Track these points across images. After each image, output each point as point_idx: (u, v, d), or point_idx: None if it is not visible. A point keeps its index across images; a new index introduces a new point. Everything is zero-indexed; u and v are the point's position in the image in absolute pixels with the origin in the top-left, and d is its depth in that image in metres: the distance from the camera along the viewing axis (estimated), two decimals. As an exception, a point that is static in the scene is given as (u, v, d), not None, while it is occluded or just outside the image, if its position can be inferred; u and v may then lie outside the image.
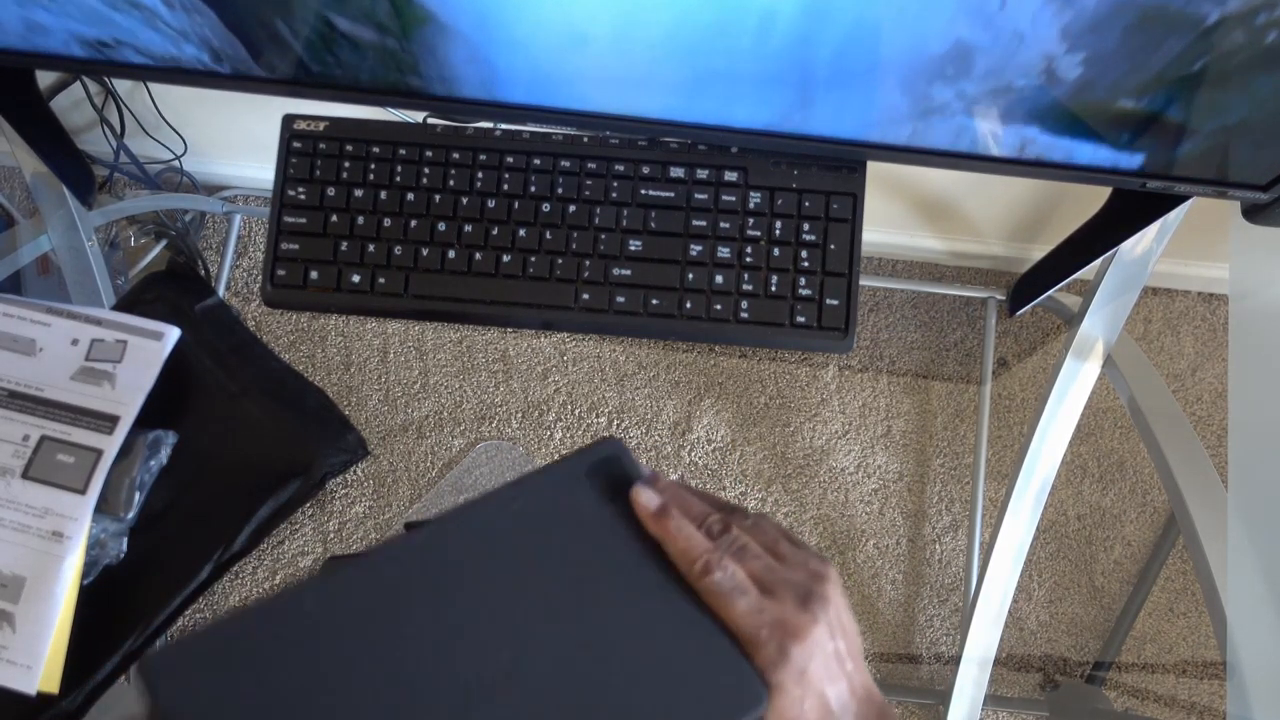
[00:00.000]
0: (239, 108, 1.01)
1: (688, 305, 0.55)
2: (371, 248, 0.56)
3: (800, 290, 0.55)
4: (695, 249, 0.55)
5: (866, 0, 0.40)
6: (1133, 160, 0.48)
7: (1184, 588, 1.13)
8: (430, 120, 0.63)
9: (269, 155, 0.57)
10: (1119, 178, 0.49)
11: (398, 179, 0.56)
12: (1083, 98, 0.44)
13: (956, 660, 0.78)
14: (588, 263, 0.56)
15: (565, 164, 0.56)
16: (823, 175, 0.56)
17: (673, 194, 0.56)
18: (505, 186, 0.56)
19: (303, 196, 0.56)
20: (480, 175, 0.56)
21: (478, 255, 0.56)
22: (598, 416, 1.16)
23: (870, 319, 1.18)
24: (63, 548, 0.57)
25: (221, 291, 1.18)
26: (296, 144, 0.57)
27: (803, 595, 0.34)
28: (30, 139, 0.63)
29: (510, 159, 0.56)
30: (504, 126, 0.57)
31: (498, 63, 0.47)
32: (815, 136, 0.51)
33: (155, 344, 0.63)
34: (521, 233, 0.56)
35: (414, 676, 0.31)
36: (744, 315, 0.55)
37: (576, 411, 1.16)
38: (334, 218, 0.56)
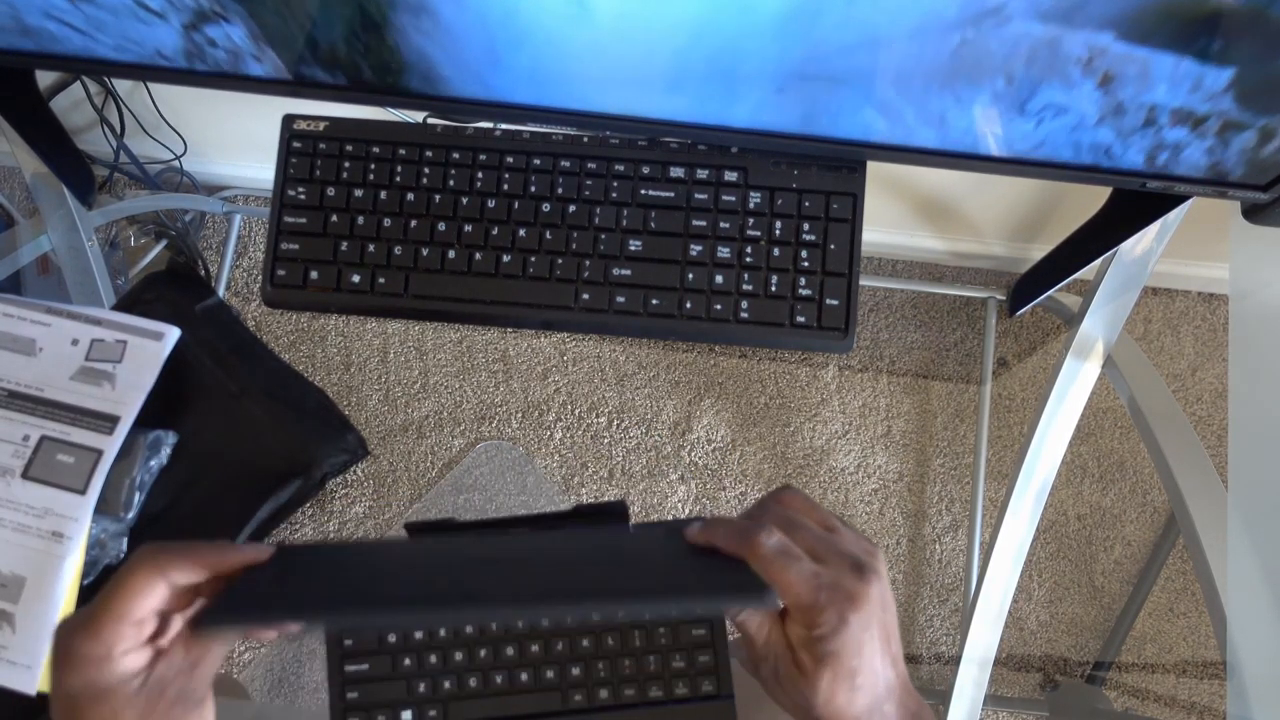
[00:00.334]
0: (239, 108, 1.01)
1: (688, 305, 0.55)
2: (371, 248, 0.56)
3: (800, 290, 0.55)
4: (695, 249, 0.55)
5: (867, 1, 0.40)
6: (1133, 160, 0.48)
7: (1184, 588, 1.13)
8: (430, 120, 0.63)
9: (269, 155, 0.57)
10: (1119, 178, 0.49)
11: (398, 179, 0.56)
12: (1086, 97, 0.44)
13: (956, 660, 0.78)
14: (588, 263, 0.56)
15: (565, 164, 0.56)
16: (823, 175, 0.55)
17: (673, 194, 0.56)
18: (505, 186, 0.56)
19: (303, 196, 0.56)
20: (480, 175, 0.56)
21: (478, 255, 0.56)
22: (598, 416, 1.16)
23: (870, 319, 1.18)
24: (63, 548, 0.57)
25: (221, 291, 1.18)
26: (296, 144, 0.57)
27: (856, 565, 0.34)
28: (30, 139, 0.63)
29: (510, 159, 0.56)
30: (504, 126, 0.57)
31: (497, 62, 0.47)
32: (815, 136, 0.51)
33: (155, 344, 0.63)
34: (521, 233, 0.56)
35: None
36: (744, 315, 0.55)
37: (576, 411, 1.16)
38: (334, 218, 0.56)
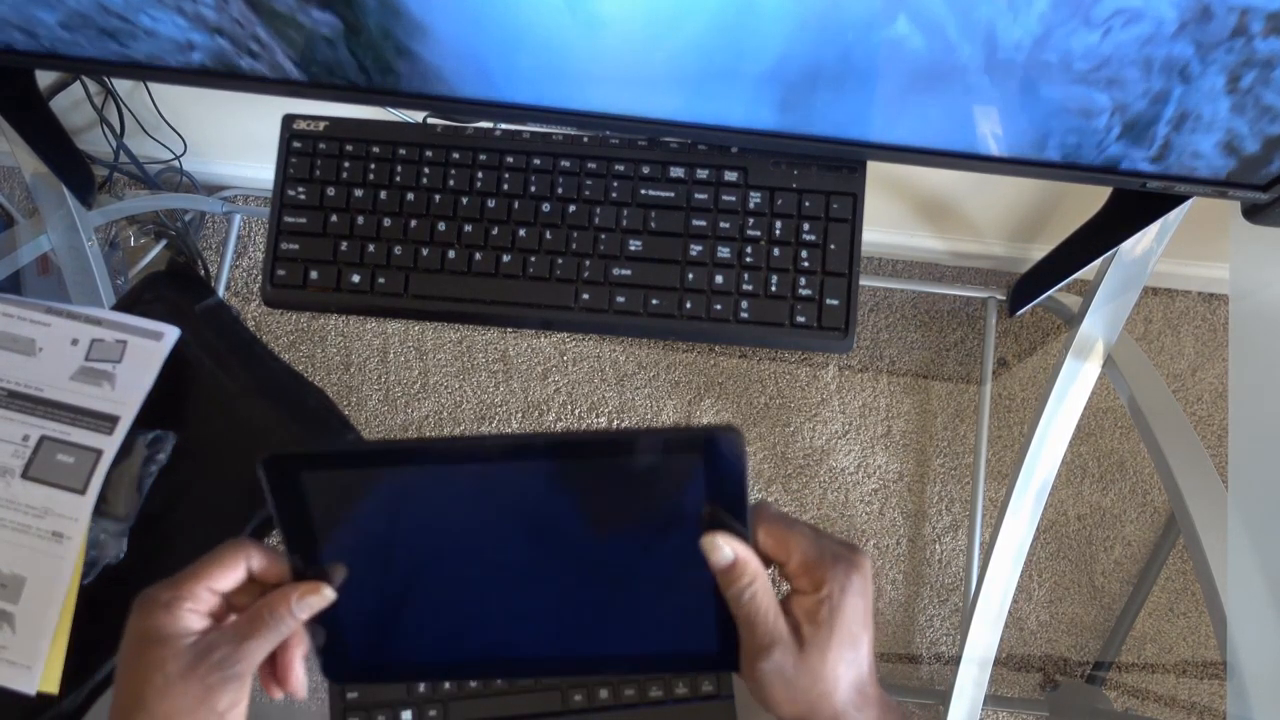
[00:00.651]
0: (239, 108, 1.01)
1: (688, 305, 0.55)
2: (371, 248, 0.56)
3: (800, 290, 0.55)
4: (695, 249, 0.55)
5: (868, 1, 0.40)
6: (1133, 160, 0.48)
7: (1184, 588, 1.13)
8: (430, 120, 0.63)
9: (269, 155, 0.57)
10: (1119, 178, 0.49)
11: (398, 179, 0.56)
12: (1086, 97, 0.44)
13: (956, 660, 0.77)
14: (588, 263, 0.56)
15: (565, 164, 0.56)
16: (823, 175, 0.56)
17: (673, 194, 0.56)
18: (505, 186, 0.56)
19: (303, 196, 0.56)
20: (480, 175, 0.56)
21: (478, 255, 0.56)
22: (598, 416, 1.16)
23: (870, 319, 1.18)
24: (63, 548, 0.57)
25: (221, 291, 1.18)
26: (296, 144, 0.57)
27: (845, 543, 0.37)
28: (30, 139, 0.63)
29: (510, 159, 0.56)
30: (504, 126, 0.57)
31: (497, 62, 0.47)
32: (815, 136, 0.51)
33: (155, 344, 0.63)
34: (521, 233, 0.56)
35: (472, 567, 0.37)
36: (744, 315, 0.55)
37: (576, 411, 1.16)
38: (334, 218, 0.56)
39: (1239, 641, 0.54)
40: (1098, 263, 0.68)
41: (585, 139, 0.57)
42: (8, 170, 1.25)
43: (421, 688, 0.53)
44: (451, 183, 0.56)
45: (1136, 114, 0.44)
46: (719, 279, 0.55)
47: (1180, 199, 0.53)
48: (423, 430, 1.16)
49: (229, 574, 0.36)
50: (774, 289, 0.55)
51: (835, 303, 0.55)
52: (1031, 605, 1.13)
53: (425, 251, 0.56)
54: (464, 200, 0.56)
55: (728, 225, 0.55)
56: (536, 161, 0.56)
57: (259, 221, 1.21)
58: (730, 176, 0.56)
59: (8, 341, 0.62)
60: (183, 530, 0.63)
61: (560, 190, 0.56)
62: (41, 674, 0.56)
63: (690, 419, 1.16)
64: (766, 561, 0.37)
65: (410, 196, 0.56)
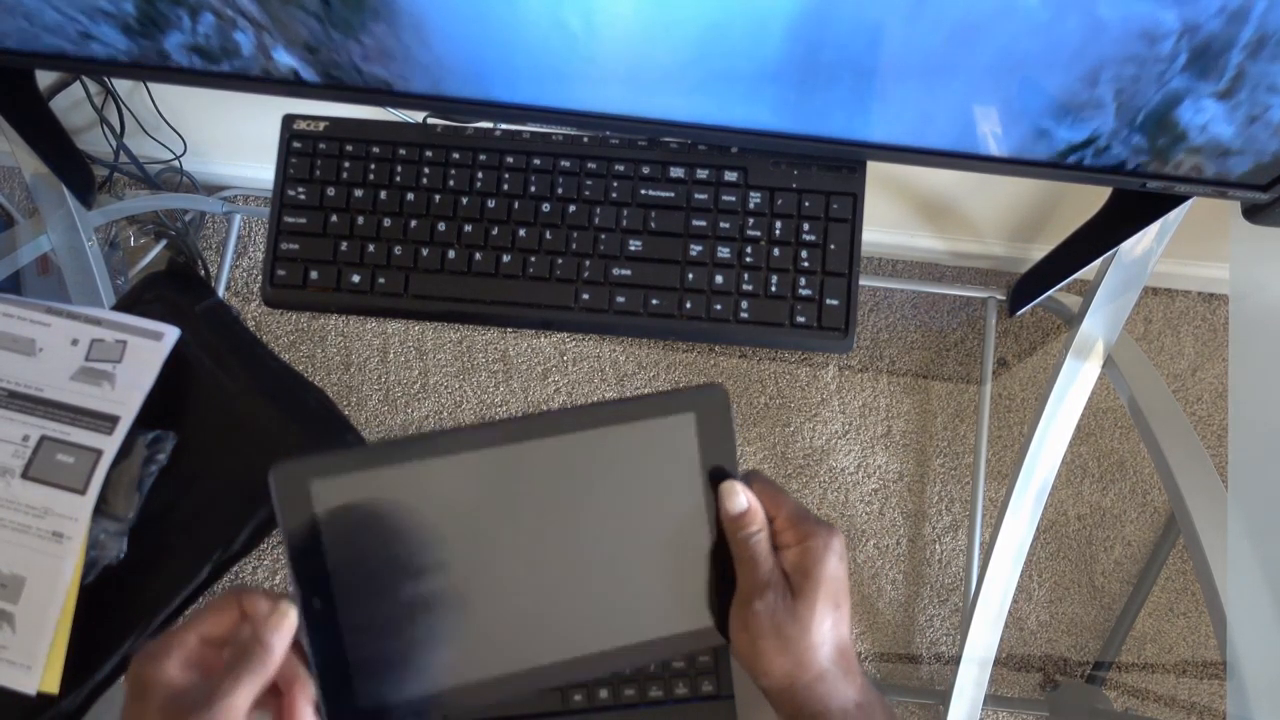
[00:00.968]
0: (239, 108, 1.01)
1: (688, 305, 0.55)
2: (371, 248, 0.56)
3: (800, 290, 0.55)
4: (695, 249, 0.55)
5: (868, 2, 0.40)
6: (1133, 159, 0.48)
7: (1184, 588, 1.13)
8: (430, 120, 0.63)
9: (269, 155, 0.57)
10: (1119, 178, 0.49)
11: (398, 179, 0.56)
12: (1082, 98, 0.44)
13: (956, 660, 0.78)
14: (588, 263, 0.56)
15: (565, 164, 0.56)
16: (823, 175, 0.55)
17: (673, 194, 0.56)
18: (505, 186, 0.56)
19: (303, 196, 0.56)
20: (480, 175, 0.56)
21: (478, 255, 0.56)
22: (598, 416, 1.16)
23: (870, 319, 1.18)
24: (63, 548, 0.57)
25: (221, 291, 1.18)
26: (296, 144, 0.57)
27: (826, 522, 0.40)
28: (30, 139, 0.63)
29: (510, 159, 0.56)
30: (504, 126, 0.57)
31: (497, 63, 0.47)
32: (815, 136, 0.51)
33: (155, 344, 0.63)
34: (521, 233, 0.56)
35: (487, 565, 0.37)
36: (744, 315, 0.55)
37: (576, 411, 1.16)
38: (334, 218, 0.56)
39: (1239, 641, 0.54)
40: (1098, 263, 0.68)
41: (585, 139, 0.57)
42: (8, 170, 1.25)
43: None
44: (451, 183, 0.56)
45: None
46: (719, 279, 0.55)
47: (1180, 199, 0.53)
48: (422, 429, 1.16)
49: (219, 618, 0.35)
50: (774, 289, 0.55)
51: (835, 303, 0.55)
52: (1031, 605, 1.13)
53: (425, 251, 0.56)
54: (464, 200, 0.56)
55: (728, 225, 0.55)
56: (536, 161, 0.56)
57: (259, 221, 1.21)
58: (730, 176, 0.56)
59: (8, 341, 0.62)
60: (183, 530, 0.63)
61: (560, 190, 0.56)
62: (41, 674, 0.56)
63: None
64: None
65: (410, 196, 0.56)
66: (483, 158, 0.56)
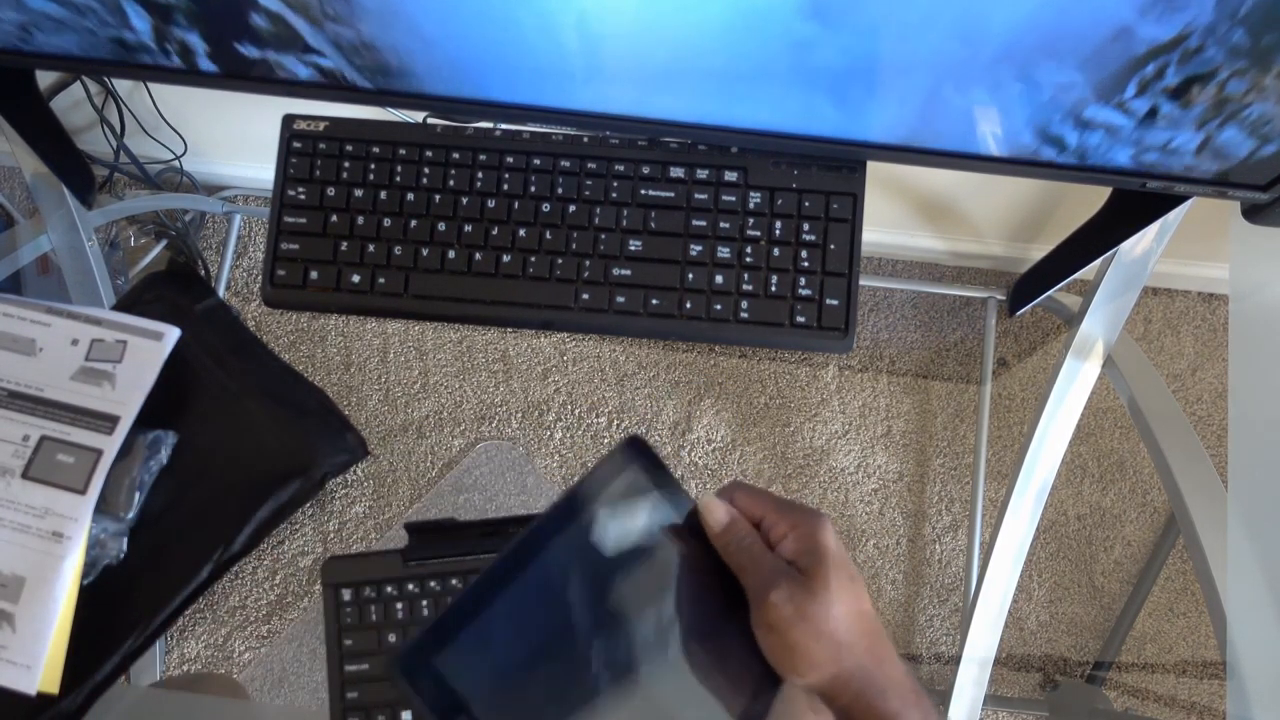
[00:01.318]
0: (239, 108, 1.01)
1: (688, 305, 0.55)
2: (371, 247, 0.56)
3: (800, 290, 0.55)
4: (695, 249, 0.55)
5: (868, 2, 0.40)
6: (1133, 160, 0.48)
7: (1184, 588, 1.13)
8: (430, 120, 0.63)
9: (269, 155, 0.57)
10: (1119, 178, 0.49)
11: (398, 179, 0.56)
12: (1083, 99, 0.44)
13: (956, 660, 0.77)
14: (588, 263, 0.56)
15: (565, 164, 0.56)
16: (823, 175, 0.55)
17: (673, 194, 0.56)
18: (505, 186, 0.56)
19: (303, 196, 0.56)
20: (480, 175, 0.56)
21: (478, 255, 0.56)
22: (598, 416, 1.16)
23: (870, 319, 1.18)
24: (63, 548, 0.57)
25: (221, 291, 1.18)
26: (296, 144, 0.57)
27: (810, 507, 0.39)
28: (30, 139, 0.63)
29: (510, 159, 0.56)
30: (504, 126, 0.57)
31: (497, 63, 0.47)
32: (815, 136, 0.51)
33: (155, 344, 0.63)
34: (521, 233, 0.56)
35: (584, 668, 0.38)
36: (744, 315, 0.55)
37: (576, 411, 1.16)
38: (334, 218, 0.56)
39: (1239, 641, 0.54)
40: (1098, 263, 0.68)
41: (585, 139, 0.57)
42: (8, 170, 1.25)
43: None
44: (451, 183, 0.56)
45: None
46: (719, 279, 0.55)
47: (1180, 199, 0.53)
48: (422, 430, 1.16)
49: None
50: (774, 289, 0.55)
51: (835, 303, 0.55)
52: (1031, 605, 1.13)
53: (425, 251, 0.56)
54: (464, 200, 0.56)
55: (728, 225, 0.55)
56: (536, 161, 0.56)
57: (259, 221, 1.21)
58: (730, 176, 0.56)
59: (8, 341, 0.62)
60: (183, 530, 0.63)
61: (560, 190, 0.56)
62: (41, 674, 0.56)
63: (690, 419, 1.16)
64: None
65: (410, 196, 0.56)
66: (483, 158, 0.56)
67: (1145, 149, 0.46)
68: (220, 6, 0.45)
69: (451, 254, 0.56)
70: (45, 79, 0.77)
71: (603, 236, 0.56)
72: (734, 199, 0.56)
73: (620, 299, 0.55)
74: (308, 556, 1.14)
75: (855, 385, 1.17)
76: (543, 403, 1.17)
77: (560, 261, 0.56)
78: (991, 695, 1.07)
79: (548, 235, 0.56)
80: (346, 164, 0.57)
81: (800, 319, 0.55)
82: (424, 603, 0.54)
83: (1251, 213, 0.51)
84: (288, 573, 1.14)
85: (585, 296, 0.55)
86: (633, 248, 0.56)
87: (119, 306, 0.70)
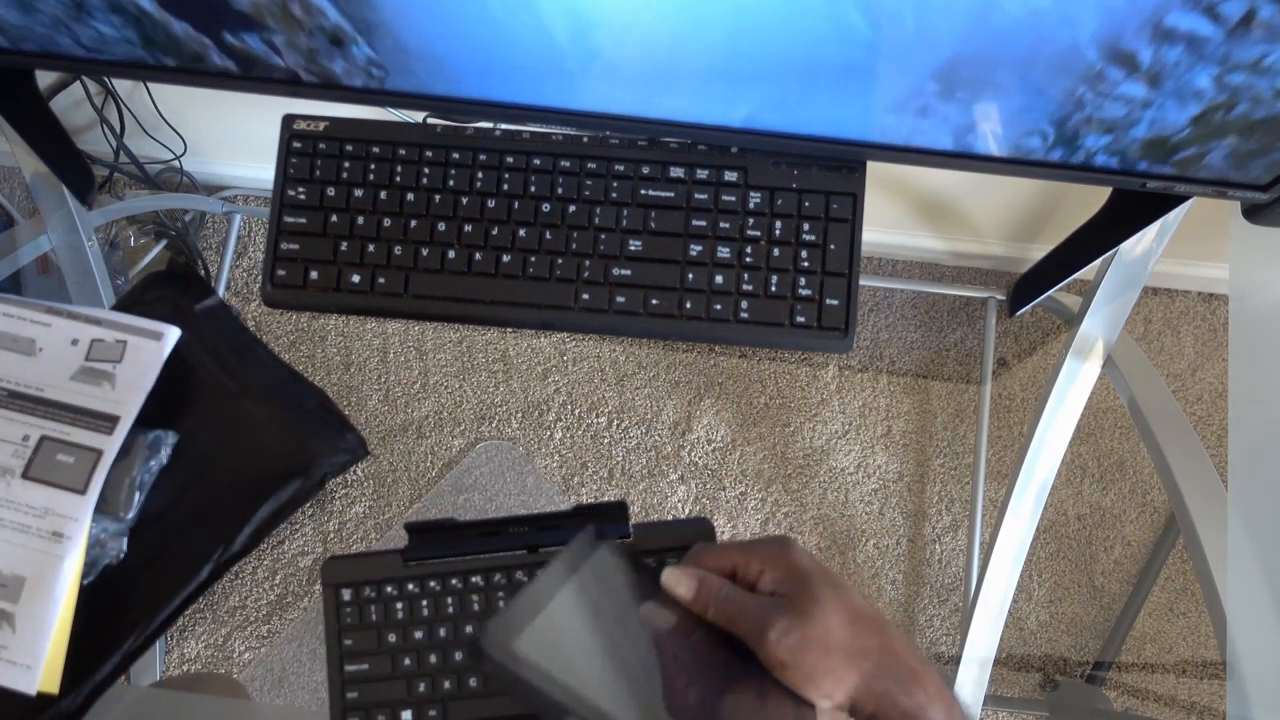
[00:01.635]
0: (239, 108, 1.01)
1: (688, 305, 0.55)
2: (371, 247, 0.56)
3: (800, 290, 0.55)
4: (695, 249, 0.55)
5: (868, 3, 0.40)
6: (1133, 160, 0.48)
7: (1184, 588, 1.13)
8: (430, 120, 0.63)
9: (269, 155, 0.57)
10: (1119, 178, 0.49)
11: (397, 179, 0.56)
12: (1083, 99, 0.44)
13: (956, 660, 0.78)
14: (588, 263, 0.56)
15: (565, 164, 0.56)
16: (823, 175, 0.55)
17: (673, 194, 0.56)
18: (505, 186, 0.56)
19: (303, 196, 0.56)
20: (480, 175, 0.56)
21: (478, 255, 0.56)
22: (598, 416, 1.16)
23: (870, 319, 1.18)
24: (63, 548, 0.57)
25: (221, 291, 1.18)
26: (296, 144, 0.57)
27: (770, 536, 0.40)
28: (30, 139, 0.63)
29: (510, 159, 0.56)
30: (504, 126, 0.57)
31: (497, 63, 0.48)
32: (815, 136, 0.51)
33: (155, 344, 0.63)
34: (521, 233, 0.56)
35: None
36: (744, 315, 0.55)
37: (576, 411, 1.16)
38: (334, 218, 0.56)
39: (1239, 641, 0.54)
40: (1098, 263, 0.68)
41: (585, 139, 0.57)
42: (8, 170, 1.25)
43: (421, 687, 0.53)
44: (451, 183, 0.56)
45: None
46: (719, 279, 0.55)
47: (1180, 199, 0.53)
48: (422, 430, 1.16)
49: None
50: (774, 289, 0.55)
51: (835, 303, 0.55)
52: (1031, 605, 1.13)
53: (425, 251, 0.56)
54: (464, 200, 0.56)
55: (728, 225, 0.55)
56: (536, 161, 0.56)
57: (259, 221, 1.21)
58: (730, 176, 0.56)
59: (8, 341, 0.62)
60: (183, 530, 0.63)
61: (560, 190, 0.56)
62: (41, 674, 0.56)
63: (690, 419, 1.16)
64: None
65: (410, 196, 0.56)
66: (483, 158, 0.56)
67: (1145, 148, 0.46)
68: (221, 6, 0.45)
69: (451, 254, 0.56)
70: (45, 79, 0.77)
71: (603, 236, 0.56)
72: (734, 199, 0.56)
73: (620, 299, 0.55)
74: (308, 556, 1.14)
75: (855, 385, 1.17)
76: (543, 403, 1.17)
77: (560, 261, 0.56)
78: (991, 695, 1.07)
79: (548, 235, 0.56)
80: (346, 164, 0.57)
81: (800, 319, 0.55)
82: (424, 603, 0.54)
83: (1251, 213, 0.51)
84: (288, 573, 1.14)
85: (585, 296, 0.55)
86: (633, 248, 0.56)
87: (119, 306, 0.70)
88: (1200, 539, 0.59)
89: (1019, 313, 0.80)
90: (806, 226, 0.55)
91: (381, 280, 0.56)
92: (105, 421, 0.60)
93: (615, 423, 1.16)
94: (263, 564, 1.14)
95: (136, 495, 0.62)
